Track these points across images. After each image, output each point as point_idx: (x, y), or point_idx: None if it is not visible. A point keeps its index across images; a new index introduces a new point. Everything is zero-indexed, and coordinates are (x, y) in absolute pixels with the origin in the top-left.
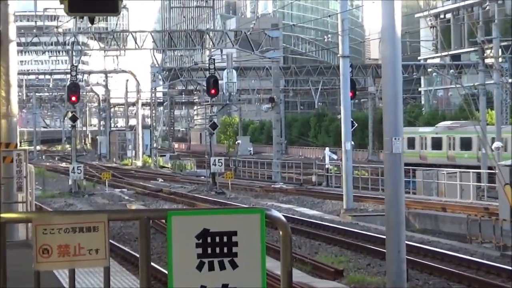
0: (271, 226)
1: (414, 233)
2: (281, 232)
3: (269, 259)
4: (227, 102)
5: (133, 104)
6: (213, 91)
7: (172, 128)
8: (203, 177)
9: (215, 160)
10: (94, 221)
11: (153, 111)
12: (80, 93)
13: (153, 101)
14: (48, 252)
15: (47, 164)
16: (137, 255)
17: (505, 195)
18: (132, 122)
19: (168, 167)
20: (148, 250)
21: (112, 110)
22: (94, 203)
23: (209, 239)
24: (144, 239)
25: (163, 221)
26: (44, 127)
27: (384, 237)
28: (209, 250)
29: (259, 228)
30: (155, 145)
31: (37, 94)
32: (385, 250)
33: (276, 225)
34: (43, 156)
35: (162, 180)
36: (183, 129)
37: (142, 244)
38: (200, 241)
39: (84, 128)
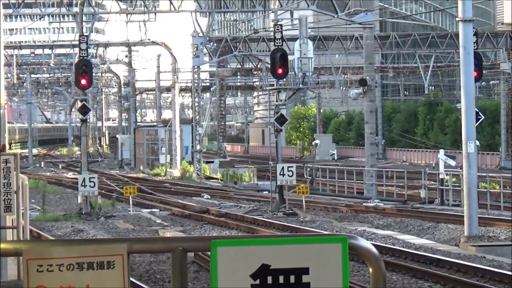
0: (358, 260)
1: None
2: (371, 269)
3: None
4: (300, 86)
5: (168, 90)
6: (280, 71)
7: (222, 123)
8: (266, 192)
9: (283, 168)
10: (109, 253)
11: (196, 99)
12: (94, 74)
13: (195, 85)
14: None
15: (48, 174)
16: None
17: None
18: (167, 114)
19: (218, 178)
20: None
21: (138, 98)
22: (112, 229)
23: (269, 279)
24: (178, 277)
25: (208, 253)
26: (44, 123)
27: None
28: None
29: (340, 263)
30: (199, 147)
31: (32, 75)
32: None
33: (364, 258)
34: (42, 163)
35: (209, 197)
36: (239, 124)
37: (175, 285)
38: (257, 281)
39: (100, 124)
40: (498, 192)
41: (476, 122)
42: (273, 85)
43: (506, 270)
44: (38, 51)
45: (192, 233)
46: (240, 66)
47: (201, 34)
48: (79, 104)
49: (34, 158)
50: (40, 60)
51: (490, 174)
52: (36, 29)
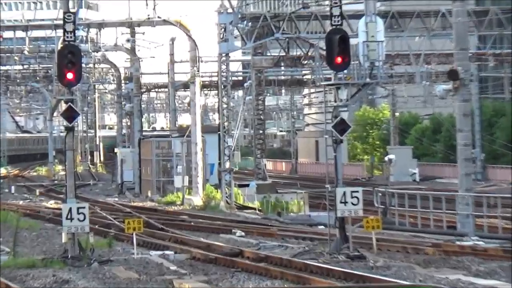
0: None
1: None
2: None
3: None
4: (368, 80)
5: (185, 86)
6: (339, 60)
7: (261, 132)
8: (322, 227)
9: (345, 193)
10: None
11: (224, 99)
12: (84, 65)
13: (223, 79)
14: None
15: (21, 203)
16: None
17: None
18: (184, 120)
19: (255, 208)
20: None
21: (144, 97)
22: (110, 279)
23: None
24: None
25: None
26: (15, 132)
27: None
28: None
29: None
30: (228, 165)
31: (1, 68)
32: None
33: None
34: (13, 188)
35: (243, 234)
36: (283, 133)
37: None
38: None
39: (92, 133)
40: None
41: None
42: (330, 79)
43: None
44: (8, 33)
45: (219, 284)
46: (284, 54)
47: (230, 10)
48: (63, 106)
49: (2, 180)
50: (10, 47)
51: None
52: (6, 3)
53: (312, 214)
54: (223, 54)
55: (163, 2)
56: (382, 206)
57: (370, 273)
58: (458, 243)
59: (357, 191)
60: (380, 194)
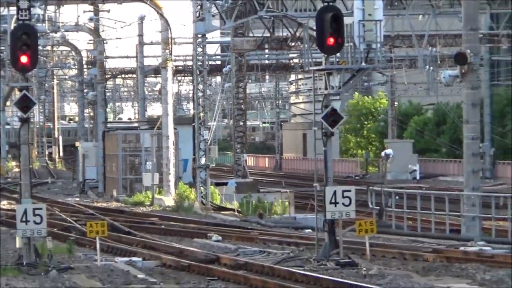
0: None
1: None
2: None
3: None
4: (363, 65)
5: (156, 72)
6: (331, 41)
7: (241, 124)
8: (309, 231)
9: (336, 192)
10: None
11: (200, 87)
12: (40, 48)
13: (199, 64)
14: None
15: None
16: None
17: None
18: (154, 111)
19: (234, 210)
20: None
21: (109, 84)
22: None
23: None
24: None
25: None
26: None
27: None
28: None
29: None
30: (204, 160)
31: None
32: None
33: None
34: None
35: (220, 238)
36: (267, 124)
37: None
38: None
39: (50, 125)
40: None
41: None
42: (320, 63)
43: None
44: None
45: None
46: (268, 35)
47: None
48: (17, 94)
49: None
50: None
51: None
52: None
53: (298, 216)
54: (199, 35)
55: None
56: (377, 207)
57: (363, 282)
58: (462, 248)
59: (349, 191)
60: (375, 193)
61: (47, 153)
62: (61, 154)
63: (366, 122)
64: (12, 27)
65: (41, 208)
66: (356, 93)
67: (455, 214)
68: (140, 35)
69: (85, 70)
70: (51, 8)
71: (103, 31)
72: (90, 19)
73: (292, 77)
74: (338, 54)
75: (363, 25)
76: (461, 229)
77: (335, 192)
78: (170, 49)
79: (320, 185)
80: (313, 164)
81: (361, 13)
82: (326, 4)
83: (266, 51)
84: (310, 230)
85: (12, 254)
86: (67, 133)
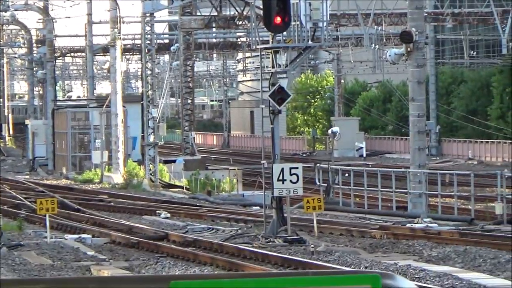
0: None
1: None
2: None
3: None
4: (310, 43)
5: (105, 51)
6: (278, 20)
7: (189, 102)
8: (257, 208)
9: (283, 170)
10: None
11: (148, 65)
12: None
13: (147, 42)
14: None
15: None
16: None
17: None
18: (103, 89)
19: (182, 187)
20: None
21: (59, 63)
22: (20, 265)
23: None
24: None
25: None
26: None
27: None
28: None
29: None
30: (152, 138)
31: None
32: None
33: None
34: None
35: (168, 215)
36: (214, 102)
37: None
38: None
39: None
40: None
41: None
42: (267, 42)
43: None
44: None
45: (142, 271)
46: (216, 14)
47: None
48: None
49: None
50: None
51: None
52: None
53: (246, 194)
54: (147, 14)
55: None
56: (325, 185)
57: (311, 259)
58: (409, 225)
59: (296, 168)
60: (322, 171)
61: None
62: (11, 132)
63: (313, 100)
64: None
65: None
66: (304, 73)
67: (401, 191)
68: (89, 14)
69: (34, 48)
70: None
71: (52, 10)
72: None
73: (240, 55)
74: (285, 33)
75: (310, 4)
76: (407, 206)
77: (282, 170)
78: (118, 28)
79: (267, 163)
80: (260, 141)
81: None
82: None
83: (214, 29)
84: (258, 207)
85: None
86: (17, 111)
